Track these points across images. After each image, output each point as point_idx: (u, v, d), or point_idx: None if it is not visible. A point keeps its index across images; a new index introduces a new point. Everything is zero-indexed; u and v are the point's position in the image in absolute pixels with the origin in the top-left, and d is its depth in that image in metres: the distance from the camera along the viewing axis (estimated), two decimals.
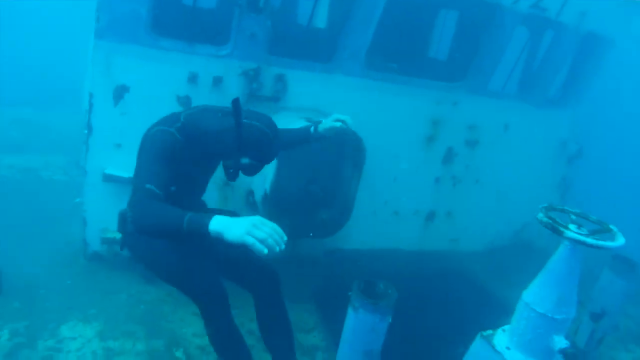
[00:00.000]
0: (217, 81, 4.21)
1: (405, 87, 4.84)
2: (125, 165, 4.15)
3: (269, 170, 4.11)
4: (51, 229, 4.95)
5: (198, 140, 2.87)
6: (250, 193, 4.52)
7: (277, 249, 2.24)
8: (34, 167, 6.19)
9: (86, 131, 4.19)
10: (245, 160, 2.89)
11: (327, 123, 3.43)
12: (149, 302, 4.23)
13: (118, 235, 3.93)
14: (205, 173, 3.25)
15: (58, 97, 8.62)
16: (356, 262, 5.05)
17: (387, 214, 5.28)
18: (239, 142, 2.79)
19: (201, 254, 3.02)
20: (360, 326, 2.98)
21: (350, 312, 3.04)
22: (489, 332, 2.89)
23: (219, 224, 2.27)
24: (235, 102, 2.72)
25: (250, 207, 4.58)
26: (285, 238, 2.29)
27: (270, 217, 2.35)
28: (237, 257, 3.18)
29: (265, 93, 4.38)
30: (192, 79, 4.17)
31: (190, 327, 3.91)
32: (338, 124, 3.40)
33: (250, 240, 2.20)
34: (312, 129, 3.48)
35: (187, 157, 2.85)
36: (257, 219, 2.28)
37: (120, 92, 4.11)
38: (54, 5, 11.54)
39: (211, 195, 4.35)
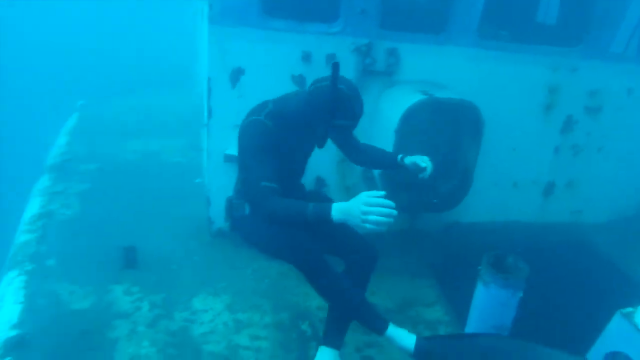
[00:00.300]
0: (330, 59, 4.22)
1: (519, 55, 4.65)
2: None
3: (387, 143, 4.11)
4: (175, 207, 5.22)
5: (288, 119, 3.05)
6: None
7: (392, 220, 2.42)
8: (154, 150, 6.54)
9: (206, 114, 4.34)
10: (338, 122, 2.94)
11: (415, 158, 3.38)
12: (272, 277, 4.36)
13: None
14: (299, 154, 3.36)
15: (164, 83, 9.04)
16: (475, 235, 4.98)
17: (506, 185, 5.15)
18: (332, 103, 2.87)
19: (303, 230, 3.09)
20: (491, 301, 2.94)
21: (480, 287, 3.00)
22: (629, 309, 2.73)
23: (340, 213, 2.52)
24: (335, 65, 2.80)
25: (368, 181, 4.61)
26: (393, 204, 2.44)
27: (388, 192, 2.45)
28: (341, 232, 3.26)
29: (378, 68, 4.35)
30: (306, 57, 4.21)
31: (315, 300, 3.98)
32: (423, 164, 3.32)
33: (368, 227, 2.42)
34: (399, 157, 3.45)
35: (281, 140, 3.00)
36: (361, 202, 2.46)
37: (236, 75, 4.22)
38: None
39: (329, 171, 4.55)
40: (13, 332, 3.53)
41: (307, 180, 4.41)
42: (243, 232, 3.29)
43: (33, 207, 5.12)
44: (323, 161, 4.50)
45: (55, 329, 3.57)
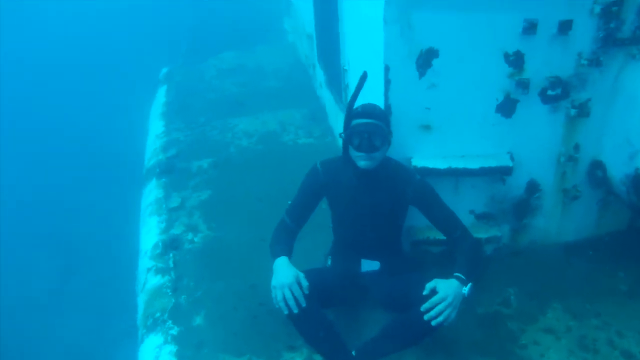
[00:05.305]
0: (564, 27, 2.99)
1: None
2: (438, 152, 3.31)
3: None
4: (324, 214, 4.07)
5: (338, 163, 3.07)
6: (597, 165, 3.42)
7: (286, 312, 2.76)
8: (271, 130, 5.39)
9: None
10: (355, 122, 2.86)
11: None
12: None
13: (431, 236, 3.48)
14: (357, 208, 3.08)
15: (253, 36, 7.73)
16: None
17: None
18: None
19: None
20: None
21: None
22: None
23: (275, 267, 2.88)
24: (363, 76, 2.88)
25: (596, 183, 3.48)
26: (304, 304, 2.74)
27: None
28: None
29: (625, 34, 3.09)
30: (529, 28, 2.98)
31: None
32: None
33: (272, 294, 2.81)
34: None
35: (330, 187, 3.08)
36: (283, 283, 2.74)
37: (426, 59, 3.09)
38: None
39: (545, 171, 3.52)
40: None
41: (518, 183, 3.52)
42: None
43: (152, 231, 4.17)
44: (537, 160, 3.45)
45: None
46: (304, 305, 2.73)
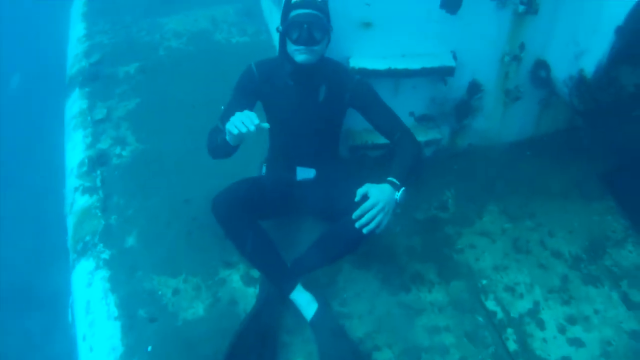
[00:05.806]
0: None
1: None
2: (378, 52, 3.13)
3: (593, 46, 2.86)
4: None
5: (273, 64, 2.88)
6: (541, 65, 3.29)
7: (245, 129, 2.43)
8: (203, 29, 4.95)
9: None
10: (292, 14, 2.63)
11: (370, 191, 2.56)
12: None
13: (370, 140, 3.41)
14: (291, 113, 2.91)
15: None
16: None
17: None
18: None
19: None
20: None
21: None
22: None
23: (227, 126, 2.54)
24: None
25: (539, 83, 3.36)
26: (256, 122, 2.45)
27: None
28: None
29: None
30: None
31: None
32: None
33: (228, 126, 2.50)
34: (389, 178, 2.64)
35: (264, 91, 2.89)
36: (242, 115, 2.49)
37: None
38: None
39: (489, 72, 3.39)
40: None
41: (460, 84, 3.39)
42: None
43: (77, 147, 3.89)
44: (480, 59, 3.31)
45: None
46: (257, 121, 2.47)
